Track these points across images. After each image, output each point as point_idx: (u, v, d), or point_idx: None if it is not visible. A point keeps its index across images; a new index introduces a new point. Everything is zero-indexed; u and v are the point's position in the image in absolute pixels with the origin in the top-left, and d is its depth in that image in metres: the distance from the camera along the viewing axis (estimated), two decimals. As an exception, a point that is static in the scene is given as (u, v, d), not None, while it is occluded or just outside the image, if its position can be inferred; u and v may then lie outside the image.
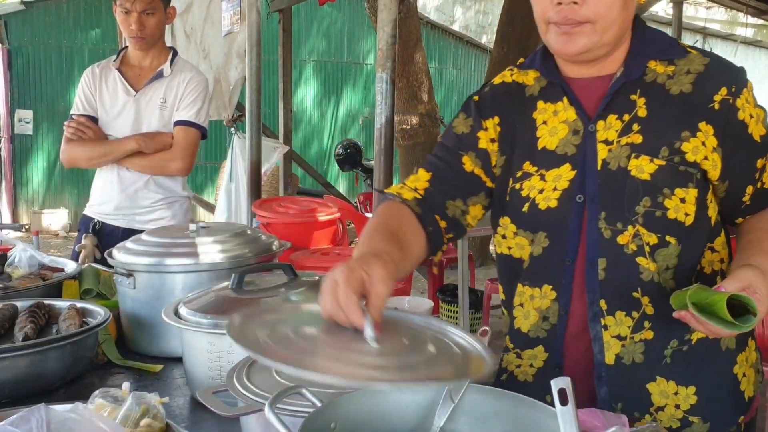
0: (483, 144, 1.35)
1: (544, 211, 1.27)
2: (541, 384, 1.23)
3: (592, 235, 1.23)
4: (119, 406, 1.23)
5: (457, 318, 4.48)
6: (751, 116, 1.22)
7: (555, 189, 1.26)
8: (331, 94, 11.18)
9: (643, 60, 1.26)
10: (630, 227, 1.21)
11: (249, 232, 1.85)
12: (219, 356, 1.34)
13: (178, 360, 1.53)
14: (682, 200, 1.20)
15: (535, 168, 1.29)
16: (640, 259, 1.21)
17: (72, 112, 2.66)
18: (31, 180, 9.86)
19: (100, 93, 2.62)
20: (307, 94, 10.99)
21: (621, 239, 1.22)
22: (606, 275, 1.22)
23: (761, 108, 1.25)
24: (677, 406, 1.23)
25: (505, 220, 1.33)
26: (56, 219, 9.60)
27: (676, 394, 1.23)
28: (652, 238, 1.21)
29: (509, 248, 1.34)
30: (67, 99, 9.21)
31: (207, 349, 1.34)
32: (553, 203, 1.26)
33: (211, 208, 6.48)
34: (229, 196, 3.98)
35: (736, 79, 1.22)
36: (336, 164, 8.33)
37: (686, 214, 1.21)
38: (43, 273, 2.01)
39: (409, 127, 6.58)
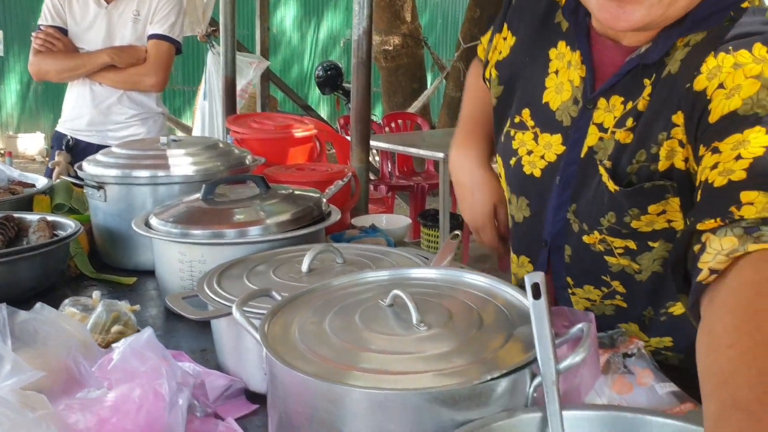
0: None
1: (528, 177, 1.16)
2: None
3: (560, 222, 1.13)
4: (90, 314, 1.23)
5: (438, 243, 4.51)
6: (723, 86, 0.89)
7: (543, 158, 1.14)
8: (311, 15, 10.90)
9: (674, 36, 0.98)
10: (596, 233, 1.08)
11: (221, 145, 1.81)
12: (191, 266, 1.33)
13: (152, 273, 1.52)
14: (661, 213, 1.02)
15: (533, 123, 1.16)
16: (608, 258, 1.10)
17: (40, 22, 2.56)
18: (4, 103, 9.62)
19: (69, 3, 2.52)
20: (287, 15, 10.70)
21: (587, 239, 1.10)
22: (572, 261, 1.14)
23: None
24: (648, 345, 1.17)
25: (498, 159, 1.25)
26: (32, 143, 9.42)
27: (647, 340, 1.17)
28: (629, 243, 1.07)
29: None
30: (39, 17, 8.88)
31: (178, 259, 1.33)
32: (538, 172, 1.15)
33: (188, 130, 6.39)
34: (203, 115, 3.91)
35: (739, 35, 0.92)
36: (317, 88, 8.20)
37: (670, 221, 1.03)
38: (12, 188, 1.97)
39: (391, 48, 6.45)
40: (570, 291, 1.18)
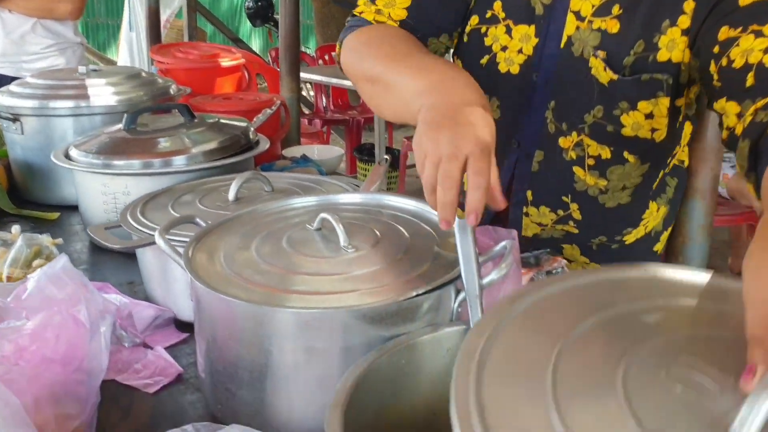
0: None
1: (503, 75, 1.07)
2: None
3: (536, 122, 1.08)
4: (9, 249, 1.18)
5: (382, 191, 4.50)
6: None
7: (520, 52, 1.06)
8: (241, -57, 10.44)
9: None
10: (574, 133, 1.05)
11: (144, 75, 1.74)
12: (114, 198, 1.29)
13: (76, 208, 1.47)
14: (649, 115, 1.01)
15: (504, 14, 1.07)
16: (576, 169, 1.09)
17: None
18: None
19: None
20: (214, -58, 10.21)
21: (563, 142, 1.07)
22: (539, 168, 1.10)
23: None
24: (586, 265, 1.19)
25: (459, 63, 1.13)
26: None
27: (587, 263, 1.18)
28: (603, 151, 1.05)
29: None
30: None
31: (101, 191, 1.29)
32: (515, 68, 1.06)
33: (113, 64, 6.12)
34: (130, 47, 3.74)
35: None
36: (248, 20, 7.92)
37: (654, 130, 1.02)
38: None
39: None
40: (525, 210, 1.15)
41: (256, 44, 9.76)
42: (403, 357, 0.70)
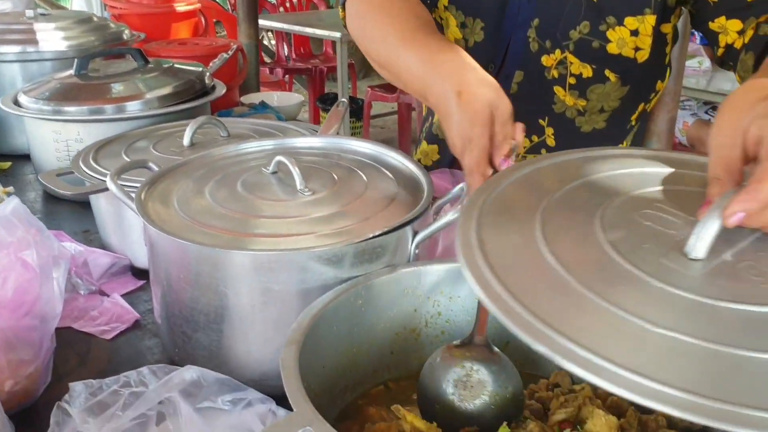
0: None
1: None
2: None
3: (518, 41, 1.07)
4: (-42, 197, 1.15)
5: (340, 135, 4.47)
6: None
7: None
8: None
9: None
10: (558, 51, 1.04)
11: (96, 19, 1.68)
12: (67, 145, 1.26)
13: (28, 157, 1.43)
14: (634, 32, 1.01)
15: None
16: (557, 89, 1.08)
17: None
18: None
19: None
20: None
21: (545, 60, 1.06)
22: (518, 90, 1.09)
23: None
24: None
25: None
26: None
27: None
28: (585, 70, 1.05)
29: (440, 18, 1.14)
30: None
31: (53, 139, 1.26)
32: None
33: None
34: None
35: None
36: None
37: (637, 49, 1.02)
38: None
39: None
40: None
41: (215, -9, 9.47)
42: (360, 297, 0.71)
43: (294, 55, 5.21)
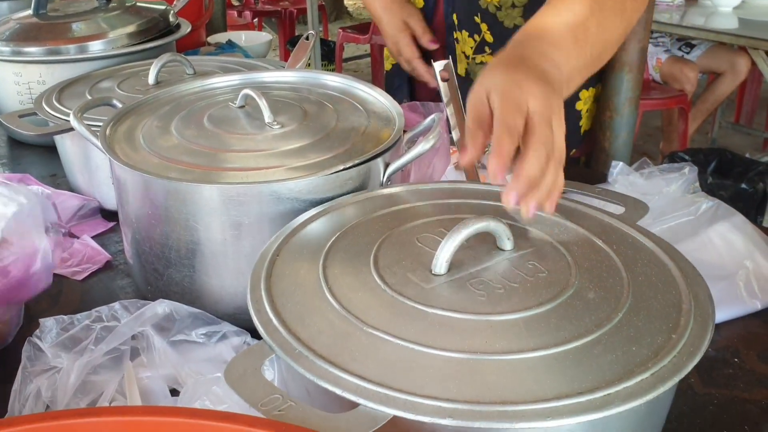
0: None
1: None
2: None
3: None
4: None
5: (310, 68, 4.40)
6: None
7: None
8: None
9: None
10: None
11: (53, -44, 1.61)
12: (29, 88, 1.22)
13: (-12, 102, 1.39)
14: None
15: None
16: None
17: None
18: None
19: None
20: None
21: None
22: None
23: None
24: None
25: None
26: None
27: None
28: None
29: None
30: None
31: (14, 81, 1.22)
32: None
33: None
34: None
35: None
36: None
37: None
38: None
39: None
40: (455, 36, 1.22)
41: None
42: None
43: (263, -2, 5.09)
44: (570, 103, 1.23)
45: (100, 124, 0.88)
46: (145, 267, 0.77)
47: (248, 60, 1.23)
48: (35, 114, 1.02)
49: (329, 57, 4.54)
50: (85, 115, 0.85)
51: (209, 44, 1.66)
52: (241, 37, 1.73)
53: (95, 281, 0.87)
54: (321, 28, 4.89)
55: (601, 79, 1.26)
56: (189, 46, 1.56)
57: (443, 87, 0.85)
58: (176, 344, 0.64)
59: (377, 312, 0.53)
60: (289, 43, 4.54)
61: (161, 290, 0.76)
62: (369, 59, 4.66)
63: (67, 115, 0.97)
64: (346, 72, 4.54)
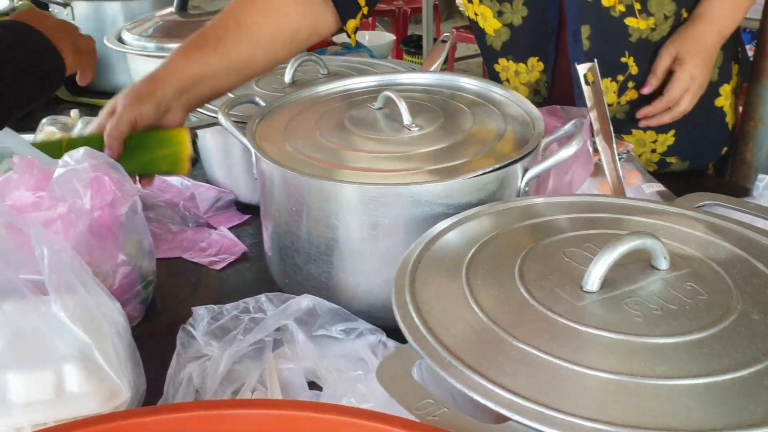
0: None
1: None
2: None
3: (572, 0, 1.07)
4: (69, 132, 1.20)
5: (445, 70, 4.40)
6: None
7: None
8: None
9: None
10: None
11: (193, -43, 1.69)
12: (170, 83, 1.28)
13: (130, 94, 1.47)
14: None
15: None
16: (629, 20, 1.06)
17: None
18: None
19: None
20: None
21: (605, 1, 1.05)
22: (590, 44, 1.08)
23: None
24: (653, 151, 1.17)
25: None
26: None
27: (654, 141, 1.16)
28: None
29: (475, 14, 1.16)
30: None
31: (157, 76, 1.28)
32: None
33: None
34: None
35: None
36: None
37: None
38: (-28, 9, 1.85)
39: None
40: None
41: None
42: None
43: (377, -4, 5.14)
44: (708, 101, 1.15)
45: (242, 120, 0.91)
46: (285, 261, 0.79)
47: (377, 61, 1.25)
48: (180, 108, 1.07)
49: (441, 56, 4.52)
50: (229, 110, 0.88)
51: (335, 44, 1.69)
52: (365, 37, 1.75)
53: (232, 271, 0.91)
54: (434, 27, 4.89)
55: (740, 72, 1.20)
56: (317, 45, 1.59)
57: (587, 91, 0.83)
58: (316, 338, 0.66)
59: (526, 326, 0.52)
60: (403, 42, 4.56)
61: (299, 284, 0.78)
62: (480, 59, 4.62)
63: (209, 110, 1.01)
64: (457, 71, 4.52)
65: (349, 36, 1.06)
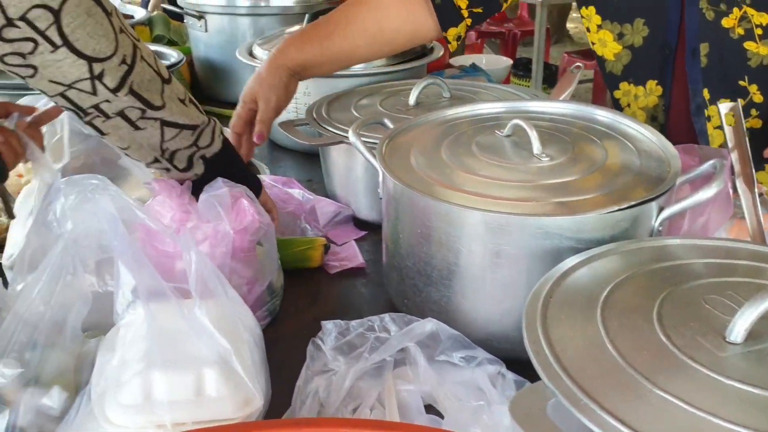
0: None
1: None
2: None
3: (692, 17, 1.07)
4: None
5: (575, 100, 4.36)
6: None
7: None
8: None
9: None
10: (735, 9, 1.02)
11: (321, -24, 1.75)
12: (295, 98, 1.31)
13: (253, 105, 1.53)
14: None
15: None
16: (748, 44, 1.04)
17: None
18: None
19: None
20: None
21: (726, 22, 1.04)
22: (708, 62, 1.08)
23: None
24: None
25: (588, 11, 1.14)
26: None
27: None
28: (764, 18, 1.02)
29: (593, 43, 1.17)
30: None
31: (283, 90, 1.33)
32: None
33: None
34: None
35: None
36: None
37: None
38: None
39: None
40: (707, 114, 1.13)
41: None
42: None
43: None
44: None
45: (368, 139, 0.93)
46: (405, 281, 0.80)
47: (500, 87, 1.24)
48: (307, 124, 1.11)
49: (550, 81, 4.46)
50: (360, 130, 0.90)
51: (452, 66, 1.70)
52: (482, 60, 1.75)
53: (349, 285, 0.93)
54: (543, 50, 4.83)
55: None
56: (435, 67, 1.61)
57: (728, 132, 0.80)
58: (437, 363, 0.66)
59: (666, 373, 0.50)
60: (512, 65, 4.53)
61: (417, 306, 0.78)
62: (590, 84, 4.52)
63: (337, 128, 1.04)
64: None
65: (449, 42, 1.13)
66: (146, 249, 0.64)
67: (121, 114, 0.71)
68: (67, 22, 0.64)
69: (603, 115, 0.90)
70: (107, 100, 0.69)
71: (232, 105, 1.62)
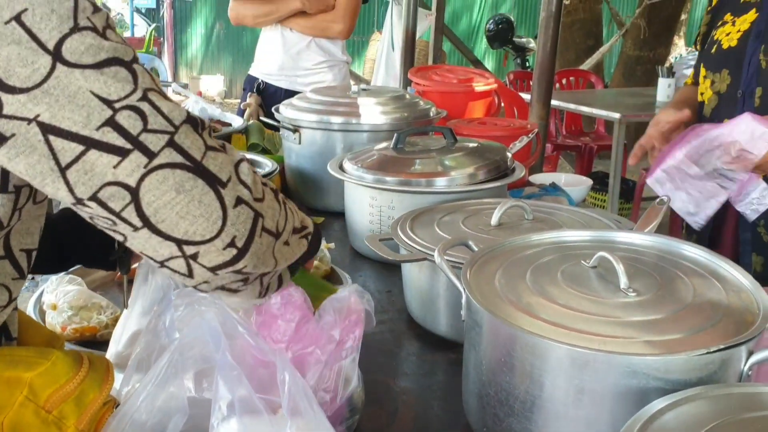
0: None
1: (726, 50, 1.43)
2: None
3: (753, 66, 1.35)
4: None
5: (605, 207, 4.35)
6: None
7: (738, 30, 1.41)
8: (484, -34, 10.63)
9: None
10: None
11: (408, 96, 1.85)
12: (380, 210, 1.38)
13: (337, 214, 1.60)
14: None
15: (731, 17, 1.46)
16: None
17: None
18: (189, 44, 10.29)
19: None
20: (459, -35, 10.50)
21: None
22: (761, 102, 1.33)
23: None
24: None
25: (702, 70, 1.48)
26: (213, 84, 10.04)
27: None
28: None
29: (701, 93, 1.48)
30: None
31: (369, 203, 1.39)
32: (734, 42, 1.42)
33: (359, 79, 6.54)
34: (387, 66, 4.04)
35: None
36: (485, 40, 8.06)
37: None
38: (212, 125, 2.12)
39: (568, 2, 6.16)
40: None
41: (490, 64, 9.87)
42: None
43: (564, 132, 5.21)
44: None
45: (451, 258, 0.95)
46: (485, 409, 0.80)
47: (583, 211, 1.26)
48: (391, 239, 1.15)
49: (626, 195, 4.44)
50: (446, 251, 0.93)
51: (531, 184, 1.73)
52: (561, 179, 1.78)
53: (425, 406, 0.93)
54: (621, 165, 4.84)
55: None
56: (515, 185, 1.64)
57: None
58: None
59: None
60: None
61: (498, 436, 0.78)
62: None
63: (420, 245, 1.08)
64: (641, 213, 4.39)
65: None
66: (245, 356, 0.67)
67: (222, 288, 0.65)
68: (149, 201, 0.56)
69: (692, 251, 0.90)
70: (206, 281, 0.62)
71: (318, 212, 1.70)
